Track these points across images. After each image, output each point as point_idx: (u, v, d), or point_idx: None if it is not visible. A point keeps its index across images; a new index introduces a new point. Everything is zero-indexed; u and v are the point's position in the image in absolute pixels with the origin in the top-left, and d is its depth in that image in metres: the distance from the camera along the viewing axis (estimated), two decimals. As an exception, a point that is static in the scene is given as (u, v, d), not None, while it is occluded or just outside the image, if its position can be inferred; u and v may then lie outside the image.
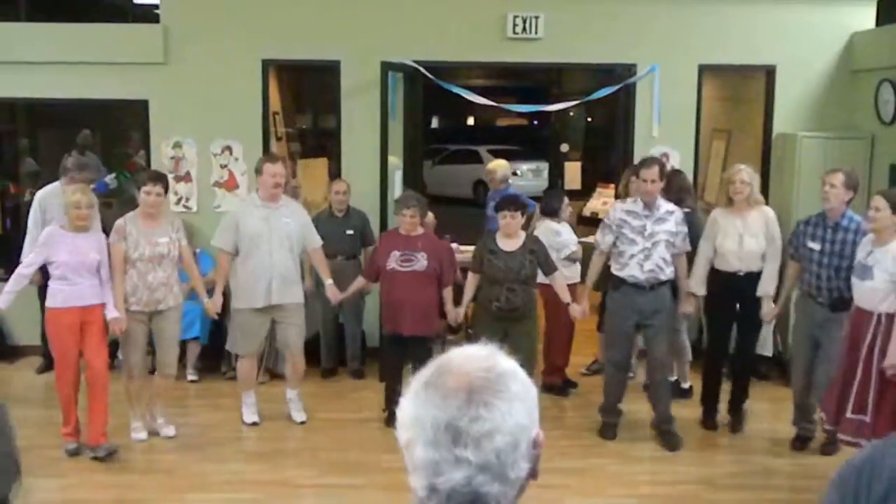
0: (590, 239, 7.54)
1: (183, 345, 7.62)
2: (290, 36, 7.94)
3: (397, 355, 6.64)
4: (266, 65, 8.06)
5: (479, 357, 1.35)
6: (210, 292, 6.56)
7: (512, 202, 6.53)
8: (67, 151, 10.59)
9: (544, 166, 19.40)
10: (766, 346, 7.70)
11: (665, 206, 6.28)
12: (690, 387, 7.27)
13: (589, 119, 20.82)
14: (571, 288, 6.93)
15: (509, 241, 6.42)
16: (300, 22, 7.93)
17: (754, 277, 6.28)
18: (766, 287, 6.27)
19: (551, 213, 7.36)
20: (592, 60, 8.23)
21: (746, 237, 6.22)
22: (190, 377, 7.66)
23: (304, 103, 10.85)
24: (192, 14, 7.96)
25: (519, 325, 6.37)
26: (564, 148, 15.91)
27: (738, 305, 6.44)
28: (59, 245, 5.88)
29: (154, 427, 6.48)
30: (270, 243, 6.39)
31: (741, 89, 9.23)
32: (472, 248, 7.80)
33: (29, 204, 8.70)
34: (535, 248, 6.44)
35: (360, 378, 7.78)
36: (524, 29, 7.95)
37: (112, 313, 5.99)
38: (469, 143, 21.64)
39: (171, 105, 8.02)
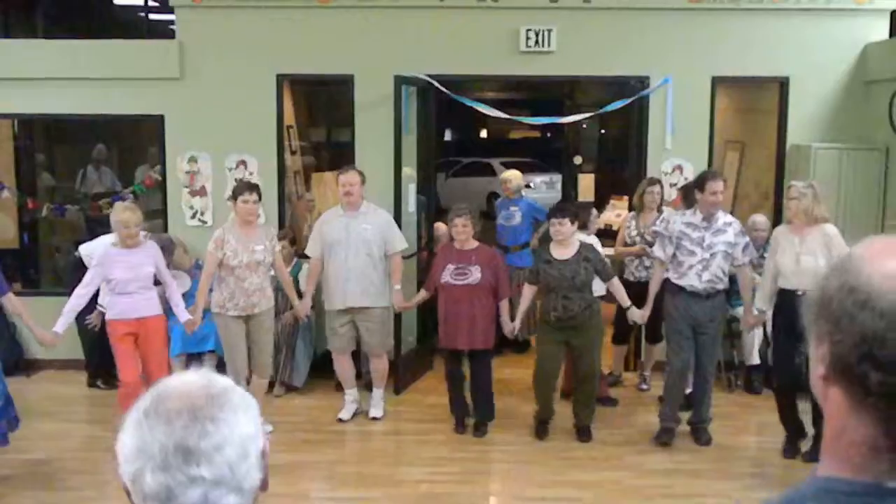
0: (609, 250, 7.54)
1: (199, 357, 7.68)
2: (305, 50, 8.00)
3: (455, 370, 6.71)
4: (280, 79, 8.12)
5: (195, 379, 1.35)
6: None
7: (559, 209, 6.60)
8: (83, 166, 10.72)
9: (557, 178, 19.40)
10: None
11: (724, 217, 6.35)
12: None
13: (602, 131, 20.81)
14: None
15: (563, 249, 6.45)
16: (314, 37, 7.98)
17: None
18: None
19: (581, 225, 7.36)
20: (605, 73, 8.24)
21: (803, 256, 6.02)
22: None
23: (318, 117, 10.93)
24: (208, 30, 8.03)
25: (580, 335, 6.41)
26: (578, 160, 15.91)
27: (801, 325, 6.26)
28: (114, 263, 6.11)
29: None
30: (347, 249, 6.76)
31: (755, 101, 9.22)
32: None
33: (46, 219, 8.78)
34: (589, 256, 6.45)
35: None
36: (537, 42, 7.98)
37: (183, 316, 6.33)
38: (482, 155, 21.64)
39: (187, 120, 8.08)
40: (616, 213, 12.42)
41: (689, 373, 6.53)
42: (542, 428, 6.70)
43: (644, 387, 7.78)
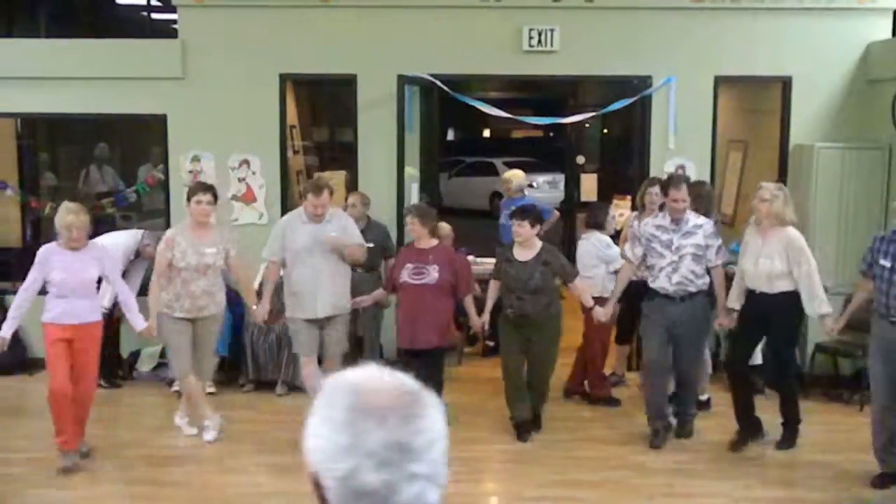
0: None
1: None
2: (307, 50, 8.00)
3: (416, 371, 6.64)
4: (283, 79, 8.12)
5: (380, 374, 1.36)
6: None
7: (520, 210, 6.59)
8: (86, 166, 10.74)
9: (560, 178, 19.37)
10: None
11: (694, 220, 6.37)
12: (708, 399, 7.26)
13: (605, 131, 20.80)
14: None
15: (524, 251, 6.47)
16: (317, 36, 7.98)
17: (769, 298, 6.13)
18: (814, 309, 6.07)
19: (598, 225, 7.36)
20: (608, 73, 8.24)
21: (762, 258, 6.11)
22: (208, 389, 7.68)
23: (320, 117, 10.93)
24: (210, 29, 8.03)
25: (537, 333, 6.46)
26: (581, 160, 15.87)
27: (764, 324, 6.28)
28: (54, 264, 5.91)
29: (180, 424, 6.74)
30: (315, 257, 6.48)
31: (757, 100, 9.22)
32: (488, 260, 7.85)
33: (49, 218, 8.78)
34: (548, 260, 6.46)
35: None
36: (540, 42, 7.98)
37: (140, 324, 6.21)
38: (485, 155, 21.66)
39: (189, 119, 8.08)
40: (619, 212, 12.39)
41: (669, 374, 6.55)
42: (521, 431, 6.62)
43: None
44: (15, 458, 6.14)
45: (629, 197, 9.43)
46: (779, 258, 6.05)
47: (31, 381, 7.98)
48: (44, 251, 6.02)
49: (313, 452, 1.31)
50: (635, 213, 7.66)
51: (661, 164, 8.07)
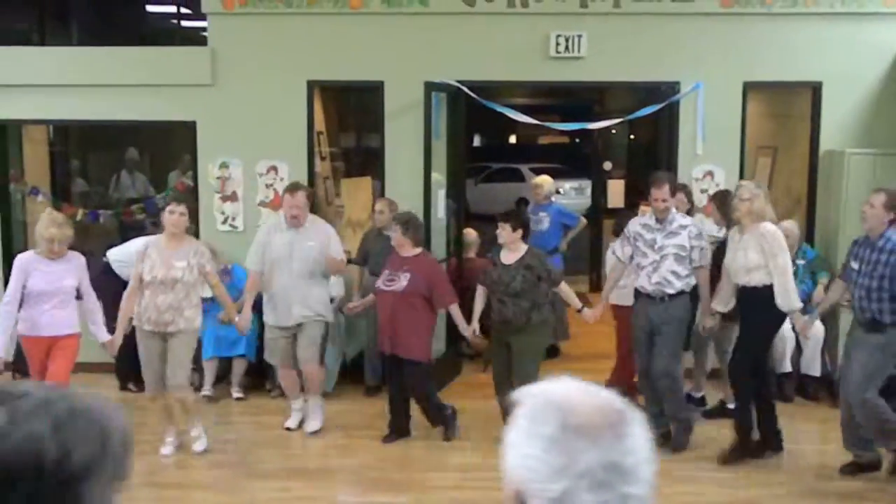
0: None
1: (229, 362, 7.73)
2: (335, 57, 8.04)
3: (391, 377, 6.71)
4: (311, 86, 8.16)
5: (581, 389, 1.32)
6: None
7: (503, 214, 6.58)
8: (116, 172, 10.86)
9: (587, 184, 19.32)
10: (812, 366, 7.61)
11: (680, 220, 6.40)
12: (703, 396, 7.38)
13: (632, 137, 20.73)
14: None
15: (509, 254, 6.46)
16: (345, 43, 8.02)
17: (746, 291, 6.16)
18: (784, 304, 6.06)
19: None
20: (636, 79, 8.21)
21: (739, 251, 6.17)
22: (235, 394, 7.74)
23: (348, 123, 10.97)
24: (239, 37, 8.09)
25: (516, 340, 6.39)
26: (607, 166, 15.83)
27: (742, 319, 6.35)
28: (33, 271, 5.87)
29: (187, 440, 6.54)
30: (290, 267, 6.56)
31: (787, 106, 9.14)
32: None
33: (80, 223, 8.89)
34: (531, 264, 6.39)
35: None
36: (567, 48, 7.97)
37: (103, 337, 6.16)
38: (511, 161, 21.66)
39: (218, 126, 8.15)
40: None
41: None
42: None
43: (695, 394, 7.67)
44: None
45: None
46: (753, 250, 6.06)
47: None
48: (23, 259, 5.97)
49: (520, 471, 1.28)
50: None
51: (689, 171, 8.02)
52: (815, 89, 8.04)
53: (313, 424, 6.86)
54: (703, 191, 7.99)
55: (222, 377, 7.83)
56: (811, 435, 6.83)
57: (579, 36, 7.95)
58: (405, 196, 7.82)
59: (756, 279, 6.08)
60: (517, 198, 19.37)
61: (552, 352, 8.85)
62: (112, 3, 11.10)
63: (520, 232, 6.46)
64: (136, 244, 7.34)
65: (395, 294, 6.45)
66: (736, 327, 6.68)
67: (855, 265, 5.85)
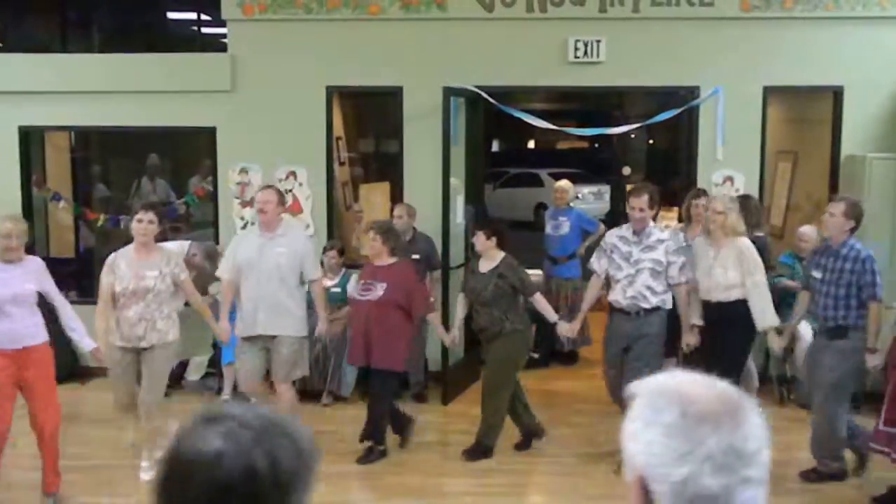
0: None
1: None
2: (354, 63, 8.07)
3: (367, 387, 6.67)
4: (330, 91, 8.20)
5: (696, 380, 1.38)
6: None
7: (480, 221, 6.57)
8: (137, 178, 10.92)
9: (606, 189, 19.32)
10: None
11: (657, 234, 6.23)
12: None
13: (650, 142, 20.68)
14: None
15: (485, 262, 6.42)
16: (363, 49, 8.05)
17: (723, 307, 6.15)
18: (761, 321, 6.10)
19: None
20: (655, 83, 8.18)
21: (716, 268, 6.15)
22: (254, 400, 7.75)
23: (366, 128, 10.99)
24: (259, 43, 8.14)
25: (491, 347, 6.39)
26: (626, 171, 15.85)
27: (712, 334, 6.26)
28: None
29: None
30: (259, 273, 6.25)
31: (808, 110, 9.09)
32: (533, 271, 7.81)
33: (101, 229, 8.96)
34: (505, 273, 6.32)
35: (423, 402, 7.79)
36: (586, 53, 7.95)
37: (88, 345, 5.79)
38: (530, 166, 21.63)
39: (238, 132, 8.19)
40: (664, 224, 12.29)
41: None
42: (523, 441, 6.63)
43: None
44: (68, 465, 6.23)
45: (676, 209, 9.34)
46: (733, 268, 6.10)
47: (83, 390, 8.13)
48: None
49: (642, 457, 1.33)
50: (681, 225, 7.59)
51: (709, 176, 7.99)
52: (837, 93, 7.99)
53: None
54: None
55: (290, 398, 7.80)
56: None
57: (598, 41, 7.94)
58: (423, 201, 7.83)
59: (734, 295, 6.13)
60: (535, 203, 19.36)
61: (570, 357, 8.83)
62: (133, 11, 11.19)
63: (494, 240, 6.39)
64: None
65: (370, 303, 6.32)
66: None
67: (818, 274, 5.89)
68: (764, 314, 6.07)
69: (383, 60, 8.04)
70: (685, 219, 7.48)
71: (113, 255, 6.07)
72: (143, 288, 5.88)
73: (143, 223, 5.93)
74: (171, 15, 12.09)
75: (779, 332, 6.25)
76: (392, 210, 8.02)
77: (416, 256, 7.60)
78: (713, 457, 1.28)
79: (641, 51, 7.96)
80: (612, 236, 6.36)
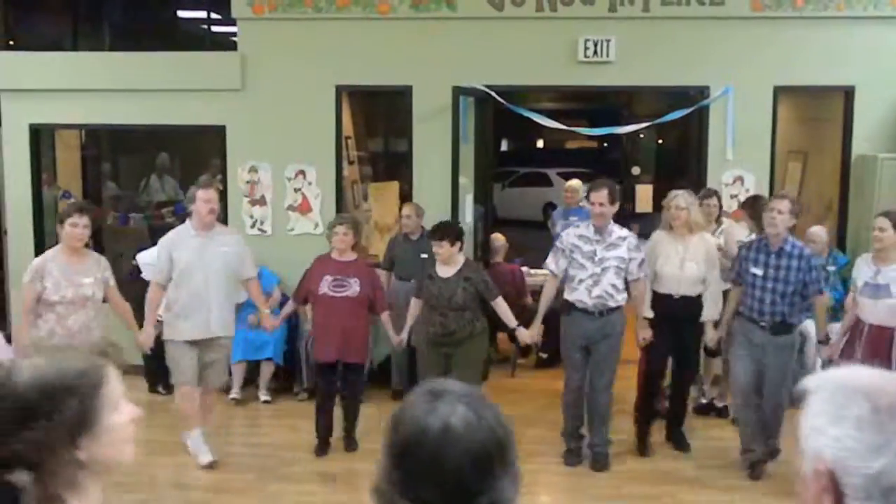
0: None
1: (256, 365, 7.77)
2: (364, 62, 8.07)
3: (330, 384, 6.62)
4: (339, 90, 8.20)
5: (881, 374, 1.39)
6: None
7: (438, 230, 6.38)
8: (147, 176, 10.95)
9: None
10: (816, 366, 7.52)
11: (618, 232, 6.23)
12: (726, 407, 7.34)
13: (659, 141, 20.63)
14: None
15: (446, 267, 6.35)
16: (373, 48, 8.04)
17: (690, 301, 6.31)
18: (709, 313, 6.34)
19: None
20: (664, 83, 8.16)
21: (687, 262, 6.25)
22: (263, 398, 7.78)
23: (375, 127, 10.99)
24: (268, 42, 8.15)
25: (460, 352, 6.31)
26: (636, 170, 15.83)
27: (676, 328, 6.37)
28: None
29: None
30: (206, 273, 6.14)
31: (818, 110, 9.05)
32: (542, 271, 7.79)
33: (111, 227, 8.99)
34: (470, 276, 6.31)
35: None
36: (595, 52, 7.94)
37: (4, 353, 5.55)
38: (539, 165, 21.61)
39: (248, 130, 8.20)
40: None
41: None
42: None
43: (703, 400, 7.64)
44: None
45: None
46: (703, 262, 6.28)
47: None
48: None
49: (832, 451, 1.33)
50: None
51: (719, 176, 7.97)
52: (848, 93, 7.96)
53: (207, 456, 6.28)
54: (732, 196, 7.92)
55: (250, 380, 7.86)
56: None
57: (608, 40, 7.92)
58: (432, 200, 7.82)
59: (700, 289, 6.31)
60: (544, 202, 19.34)
61: (551, 360, 8.79)
62: (144, 9, 11.22)
63: (458, 245, 6.38)
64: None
65: (349, 300, 6.40)
66: None
67: (758, 271, 5.96)
68: (716, 306, 6.33)
69: (393, 59, 8.04)
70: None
71: (40, 259, 5.79)
72: (83, 296, 5.70)
73: (77, 228, 5.68)
74: (182, 14, 12.12)
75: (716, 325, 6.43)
76: (400, 209, 8.02)
77: (424, 255, 7.59)
78: None
79: (651, 50, 7.95)
80: (571, 236, 6.30)
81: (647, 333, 6.37)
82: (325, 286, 6.42)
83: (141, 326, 6.29)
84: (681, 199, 6.35)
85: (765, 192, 7.78)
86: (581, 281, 6.16)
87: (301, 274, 6.67)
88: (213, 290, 6.16)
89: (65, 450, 1.65)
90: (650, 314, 6.35)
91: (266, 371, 7.81)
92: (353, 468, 6.37)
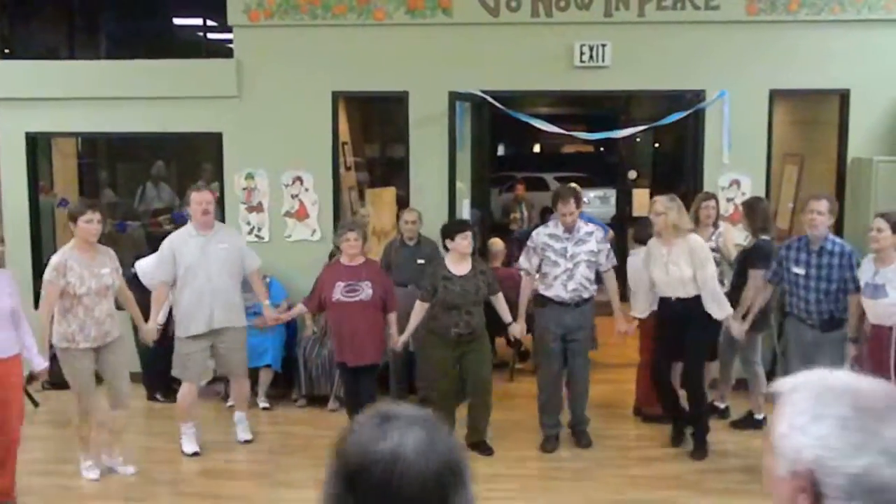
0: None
1: (255, 372, 7.75)
2: (360, 68, 8.07)
3: (354, 383, 6.69)
4: (336, 96, 8.21)
5: (853, 375, 1.40)
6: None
7: (460, 224, 6.65)
8: (143, 183, 10.95)
9: (612, 193, 19.27)
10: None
11: (585, 228, 6.62)
12: (727, 407, 7.38)
13: (656, 145, 20.62)
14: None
15: (460, 265, 6.47)
16: (369, 54, 8.05)
17: (686, 303, 6.37)
18: (717, 311, 6.34)
19: (644, 240, 7.30)
20: (661, 87, 8.17)
21: (671, 265, 6.35)
22: (262, 404, 7.76)
23: (372, 133, 11.01)
24: (264, 49, 8.15)
25: (475, 348, 6.47)
26: (632, 175, 15.78)
27: (683, 327, 6.45)
28: None
29: (112, 464, 6.27)
30: (208, 271, 6.49)
31: (814, 113, 9.07)
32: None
33: (108, 235, 8.96)
34: (483, 269, 6.59)
35: (430, 405, 7.78)
36: (591, 57, 7.95)
37: (41, 364, 5.74)
38: (535, 170, 21.61)
39: (244, 137, 8.20)
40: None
41: (563, 381, 6.77)
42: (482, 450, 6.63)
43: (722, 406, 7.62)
44: (75, 470, 6.23)
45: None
46: (685, 264, 6.33)
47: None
48: None
49: (814, 450, 1.32)
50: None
51: (716, 179, 7.98)
52: (843, 96, 7.98)
53: (246, 433, 6.92)
54: (729, 199, 7.93)
55: (249, 387, 7.83)
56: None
57: (604, 45, 7.94)
58: (429, 206, 7.83)
59: (693, 290, 6.35)
60: (541, 207, 19.34)
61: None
62: (140, 17, 11.23)
63: (475, 241, 6.67)
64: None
65: (363, 304, 6.48)
66: (759, 337, 6.74)
67: (800, 270, 6.09)
68: (718, 305, 6.32)
69: (389, 65, 8.05)
70: (694, 221, 7.46)
71: (58, 256, 5.95)
72: (105, 285, 5.98)
73: (93, 223, 5.96)
74: (178, 21, 12.14)
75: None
76: (398, 215, 8.02)
77: (421, 261, 7.60)
78: (891, 449, 1.29)
79: (647, 54, 7.96)
80: (542, 235, 6.65)
81: (622, 326, 6.72)
82: (338, 292, 6.51)
83: (146, 322, 6.52)
84: (658, 203, 6.45)
85: (761, 196, 7.80)
86: (556, 277, 6.54)
87: (298, 280, 6.71)
88: (215, 287, 6.49)
89: None
90: (636, 312, 6.73)
91: (265, 378, 7.79)
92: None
